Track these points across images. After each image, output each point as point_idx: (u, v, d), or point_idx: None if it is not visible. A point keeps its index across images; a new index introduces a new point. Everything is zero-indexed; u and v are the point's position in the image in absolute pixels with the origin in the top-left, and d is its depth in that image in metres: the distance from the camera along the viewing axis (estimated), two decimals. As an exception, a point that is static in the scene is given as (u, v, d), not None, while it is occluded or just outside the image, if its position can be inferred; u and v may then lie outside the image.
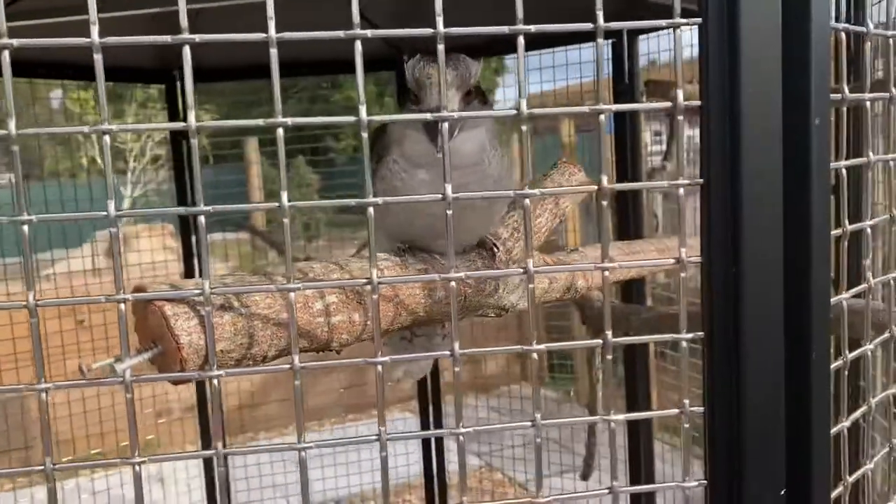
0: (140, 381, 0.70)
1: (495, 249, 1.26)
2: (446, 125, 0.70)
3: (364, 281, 0.71)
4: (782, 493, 0.76)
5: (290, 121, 0.69)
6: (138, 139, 8.34)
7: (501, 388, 4.96)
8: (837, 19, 0.87)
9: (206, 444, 3.66)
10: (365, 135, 0.70)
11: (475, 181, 1.17)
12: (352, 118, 0.70)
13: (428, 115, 0.70)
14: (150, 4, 2.41)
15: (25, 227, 0.67)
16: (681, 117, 0.72)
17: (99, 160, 8.18)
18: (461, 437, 0.73)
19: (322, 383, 5.05)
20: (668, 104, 0.73)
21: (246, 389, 4.88)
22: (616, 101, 3.11)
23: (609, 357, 0.74)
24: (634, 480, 3.38)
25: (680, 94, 0.72)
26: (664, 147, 4.03)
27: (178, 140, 3.61)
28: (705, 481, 0.77)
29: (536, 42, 3.20)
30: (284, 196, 0.69)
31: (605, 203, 0.73)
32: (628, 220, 2.99)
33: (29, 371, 3.51)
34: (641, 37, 3.02)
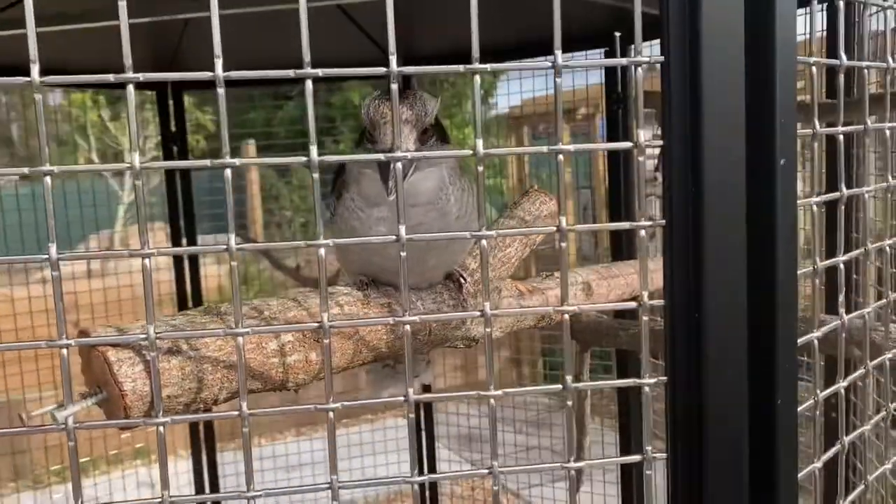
0: (82, 428, 0.68)
1: (462, 281, 1.24)
2: (399, 165, 0.68)
3: (315, 325, 0.69)
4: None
5: (238, 161, 0.67)
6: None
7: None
8: (809, 46, 0.85)
9: (196, 450, 3.65)
10: (316, 175, 0.68)
11: (434, 219, 1.14)
12: (303, 158, 0.68)
13: (381, 156, 0.68)
14: (138, 14, 2.39)
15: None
16: (641, 158, 0.70)
17: (97, 160, 8.17)
18: (415, 486, 0.71)
19: (315, 388, 5.01)
20: (629, 144, 0.71)
21: (239, 394, 4.84)
22: (608, 110, 3.09)
23: (570, 403, 0.72)
24: (626, 489, 3.38)
25: (641, 134, 0.70)
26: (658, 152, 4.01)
27: (168, 146, 3.59)
28: (667, 530, 0.76)
29: (530, 49, 3.18)
30: (232, 239, 0.67)
31: (564, 245, 0.71)
32: (621, 231, 2.97)
33: (32, 376, 3.50)
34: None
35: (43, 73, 0.67)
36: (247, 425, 0.68)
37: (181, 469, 3.90)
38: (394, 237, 0.69)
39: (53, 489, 3.99)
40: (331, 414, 0.69)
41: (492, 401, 0.72)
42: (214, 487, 3.58)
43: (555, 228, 0.71)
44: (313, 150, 0.67)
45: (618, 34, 3.00)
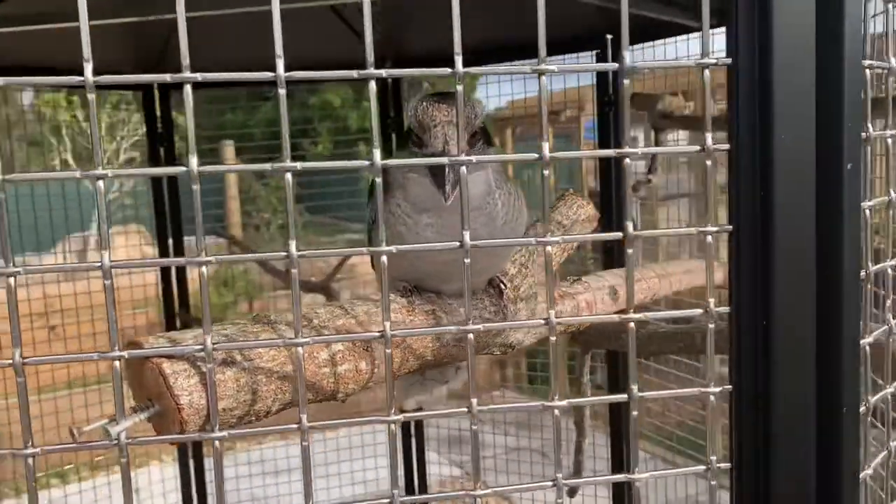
0: (135, 443, 0.65)
1: (502, 287, 1.22)
2: (464, 169, 0.66)
3: (377, 334, 0.67)
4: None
5: (299, 165, 0.65)
6: (112, 141, 8.19)
7: (483, 396, 4.93)
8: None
9: (183, 455, 3.59)
10: (379, 179, 0.66)
11: (482, 224, 1.12)
12: (366, 162, 0.65)
13: (445, 159, 0.66)
14: (132, 12, 2.35)
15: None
16: (709, 162, 0.69)
17: (71, 161, 8.03)
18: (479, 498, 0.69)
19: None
20: (696, 147, 0.69)
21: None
22: (600, 112, 3.09)
23: (635, 413, 0.71)
24: (617, 493, 3.38)
25: (709, 137, 0.68)
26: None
27: (155, 147, 3.55)
28: (731, 540, 0.74)
29: (513, 51, 3.16)
30: (293, 245, 0.64)
31: (630, 251, 0.69)
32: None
33: (32, 379, 3.40)
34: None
35: (17, 71, 0.64)
36: (307, 439, 0.66)
37: (167, 475, 3.84)
38: (457, 243, 0.67)
39: (54, 493, 3.92)
40: (392, 426, 0.67)
41: (556, 412, 0.70)
42: (202, 494, 3.52)
43: (621, 235, 0.69)
44: (377, 153, 0.65)
45: (609, 36, 3.00)
